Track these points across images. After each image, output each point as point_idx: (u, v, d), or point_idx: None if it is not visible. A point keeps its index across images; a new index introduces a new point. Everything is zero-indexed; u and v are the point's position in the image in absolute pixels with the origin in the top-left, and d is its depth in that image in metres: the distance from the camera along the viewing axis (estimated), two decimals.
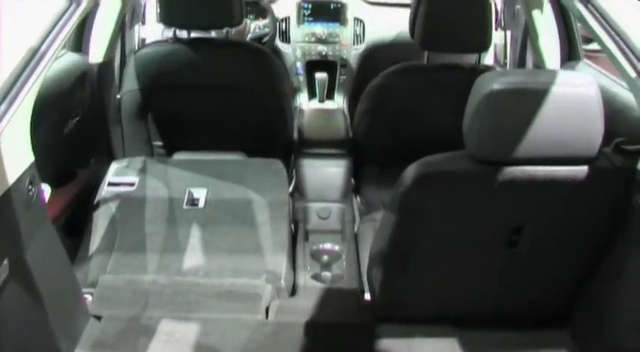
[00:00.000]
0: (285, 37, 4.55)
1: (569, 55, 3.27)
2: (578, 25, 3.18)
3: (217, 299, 2.47)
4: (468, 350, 2.28)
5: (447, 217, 2.05)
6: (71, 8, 1.98)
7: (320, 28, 4.50)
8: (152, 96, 3.21)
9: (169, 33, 3.27)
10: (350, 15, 4.52)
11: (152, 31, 4.19)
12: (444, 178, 2.00)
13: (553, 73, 1.88)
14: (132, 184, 3.00)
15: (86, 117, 3.14)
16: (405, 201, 2.02)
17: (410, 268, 2.19)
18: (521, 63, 3.68)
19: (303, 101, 4.62)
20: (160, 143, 3.40)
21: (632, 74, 1.89)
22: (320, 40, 4.50)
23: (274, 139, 3.40)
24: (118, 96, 3.33)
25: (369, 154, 3.36)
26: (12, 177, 1.79)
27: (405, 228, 2.09)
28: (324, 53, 4.51)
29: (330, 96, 4.61)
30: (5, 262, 1.76)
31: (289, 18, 4.53)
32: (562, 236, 2.10)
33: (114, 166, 3.13)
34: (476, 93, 1.88)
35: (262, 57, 3.32)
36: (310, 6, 4.53)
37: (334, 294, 2.59)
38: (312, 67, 4.57)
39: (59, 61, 2.88)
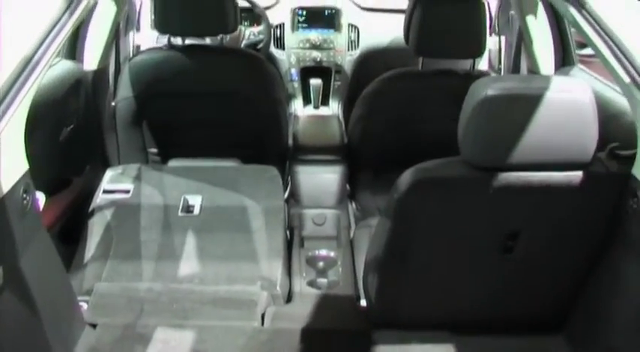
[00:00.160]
0: (280, 44, 4.54)
1: (564, 60, 3.28)
2: (572, 30, 3.19)
3: (213, 306, 2.47)
4: None
5: (442, 223, 2.05)
6: (65, 16, 1.97)
7: (314, 35, 4.50)
8: (147, 104, 3.21)
9: (164, 40, 3.27)
10: (344, 21, 4.51)
11: (147, 37, 4.18)
12: (439, 184, 2.00)
13: (547, 79, 1.88)
14: (127, 191, 3.00)
15: (81, 125, 3.14)
16: (400, 207, 2.02)
17: (405, 274, 2.19)
18: (515, 68, 3.69)
19: (298, 107, 4.61)
20: (155, 150, 3.40)
21: (626, 79, 1.89)
22: (314, 46, 4.49)
23: (269, 146, 3.40)
24: (113, 104, 3.33)
25: (364, 160, 3.36)
26: (6, 185, 1.79)
27: (401, 235, 2.09)
28: (318, 59, 4.50)
29: (324, 102, 4.60)
30: (0, 271, 1.76)
31: (284, 24, 4.52)
32: (557, 241, 2.10)
33: (109, 173, 3.13)
34: (470, 99, 1.88)
35: (257, 63, 3.32)
36: (304, 12, 4.53)
37: (330, 301, 2.59)
38: (306, 73, 4.56)
39: (53, 69, 2.87)
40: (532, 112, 1.80)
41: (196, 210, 2.92)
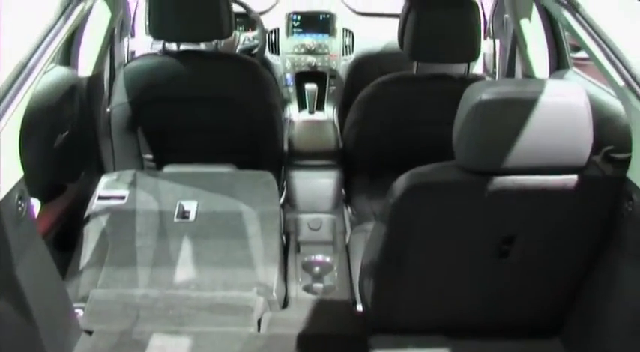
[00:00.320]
0: (275, 49, 4.54)
1: (558, 63, 3.29)
2: (567, 33, 3.19)
3: (209, 312, 2.47)
4: None
5: (438, 228, 2.05)
6: (60, 22, 1.97)
7: (309, 39, 4.50)
8: (142, 110, 3.20)
9: (159, 45, 3.26)
10: (339, 26, 4.52)
11: (141, 43, 4.18)
12: (435, 189, 2.00)
13: (542, 83, 1.88)
14: (122, 198, 2.99)
15: (76, 131, 3.14)
16: (395, 212, 2.02)
17: (401, 279, 2.18)
18: (510, 72, 3.70)
19: (293, 112, 4.62)
20: (150, 156, 3.39)
21: (620, 82, 1.90)
22: (309, 51, 4.49)
23: (264, 151, 3.39)
24: (108, 110, 3.33)
25: (360, 164, 3.36)
26: (1, 193, 1.78)
27: (396, 239, 2.08)
28: (313, 64, 4.51)
29: (319, 107, 4.61)
30: None
31: (278, 29, 4.52)
32: (553, 245, 2.10)
33: (104, 180, 3.12)
34: (465, 103, 1.88)
35: (252, 69, 3.32)
36: (299, 17, 4.53)
37: (326, 306, 2.59)
38: (301, 78, 4.57)
39: (48, 75, 2.87)
40: (527, 116, 1.80)
41: (192, 216, 2.92)
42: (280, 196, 3.28)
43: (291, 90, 4.61)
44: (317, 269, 2.81)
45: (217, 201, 3.00)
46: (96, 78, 3.32)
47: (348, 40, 4.54)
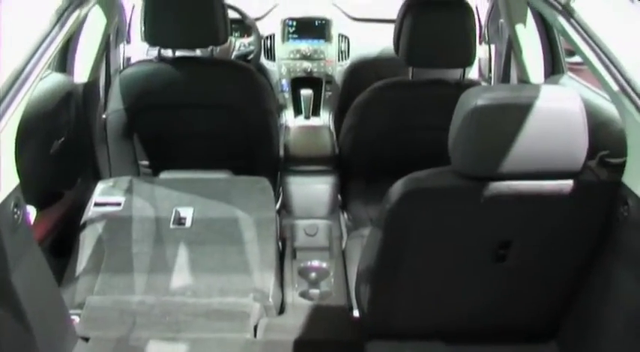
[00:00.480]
0: (270, 55, 4.55)
1: (553, 68, 3.30)
2: (562, 38, 3.20)
3: (205, 318, 2.47)
4: None
5: (434, 233, 2.06)
6: (55, 29, 1.98)
7: (305, 45, 4.51)
8: (138, 116, 3.20)
9: (154, 52, 3.26)
10: (334, 31, 4.52)
11: (137, 49, 4.18)
12: (431, 194, 2.00)
13: (537, 88, 1.89)
14: (118, 204, 2.99)
15: (72, 138, 3.14)
16: (391, 217, 2.02)
17: (398, 284, 2.19)
18: (505, 77, 3.70)
19: (289, 118, 4.62)
20: (146, 162, 3.39)
21: (615, 87, 1.90)
22: (305, 57, 4.50)
23: (260, 157, 3.39)
24: (104, 116, 3.33)
25: (356, 170, 3.36)
26: None
27: (393, 245, 2.09)
28: (309, 70, 4.51)
29: (315, 112, 4.61)
30: None
31: (274, 35, 4.53)
32: (549, 249, 2.11)
33: (100, 186, 3.12)
34: (460, 109, 1.88)
35: (247, 75, 3.32)
36: (295, 23, 4.54)
37: (323, 311, 2.59)
38: (297, 83, 4.57)
39: (44, 82, 2.87)
40: (522, 122, 1.81)
41: (188, 223, 2.92)
42: (276, 202, 3.28)
43: (287, 95, 4.61)
44: (313, 274, 2.80)
45: (213, 207, 2.99)
46: (92, 84, 3.32)
47: (343, 46, 4.55)
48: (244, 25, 4.41)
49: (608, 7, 2.10)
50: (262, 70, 4.47)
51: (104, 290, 2.59)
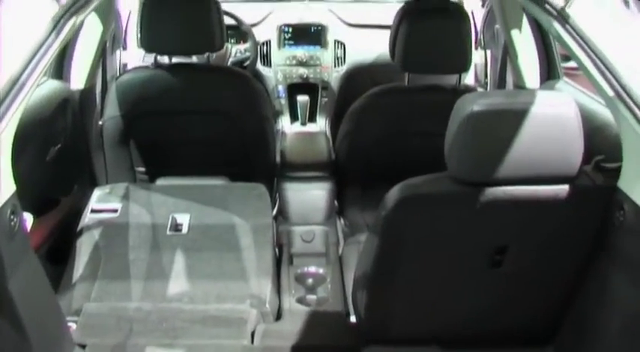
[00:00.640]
0: (267, 61, 4.55)
1: (549, 73, 3.30)
2: (557, 43, 3.21)
3: (202, 325, 2.46)
4: None
5: (431, 239, 2.06)
6: (52, 36, 1.98)
7: (301, 51, 4.51)
8: (134, 122, 3.20)
9: (151, 58, 3.27)
10: (330, 37, 4.53)
11: (133, 56, 4.18)
12: (427, 200, 2.00)
13: (532, 94, 1.89)
14: (115, 211, 2.98)
15: (68, 144, 3.13)
16: (387, 224, 2.02)
17: (394, 290, 2.19)
18: (501, 82, 3.71)
19: (285, 124, 4.62)
20: (142, 169, 3.39)
21: (610, 92, 1.91)
22: (301, 63, 4.50)
23: (257, 163, 3.39)
24: (100, 123, 3.32)
25: (352, 176, 3.36)
26: None
27: (389, 251, 2.09)
28: (305, 76, 4.51)
29: (312, 118, 4.61)
30: None
31: (270, 41, 4.53)
32: (545, 254, 2.11)
33: (96, 193, 3.11)
34: (456, 114, 1.88)
35: (244, 81, 3.32)
36: (291, 29, 4.54)
37: (320, 317, 2.59)
38: (293, 90, 4.58)
39: (40, 88, 2.87)
40: (518, 127, 1.81)
41: (185, 229, 2.91)
42: (273, 208, 3.28)
43: (283, 101, 4.61)
44: (310, 280, 2.80)
45: (210, 213, 2.99)
46: (88, 91, 3.32)
47: (339, 52, 4.55)
48: (240, 32, 4.42)
49: (603, 13, 2.11)
50: (258, 76, 4.47)
51: (101, 297, 2.59)
